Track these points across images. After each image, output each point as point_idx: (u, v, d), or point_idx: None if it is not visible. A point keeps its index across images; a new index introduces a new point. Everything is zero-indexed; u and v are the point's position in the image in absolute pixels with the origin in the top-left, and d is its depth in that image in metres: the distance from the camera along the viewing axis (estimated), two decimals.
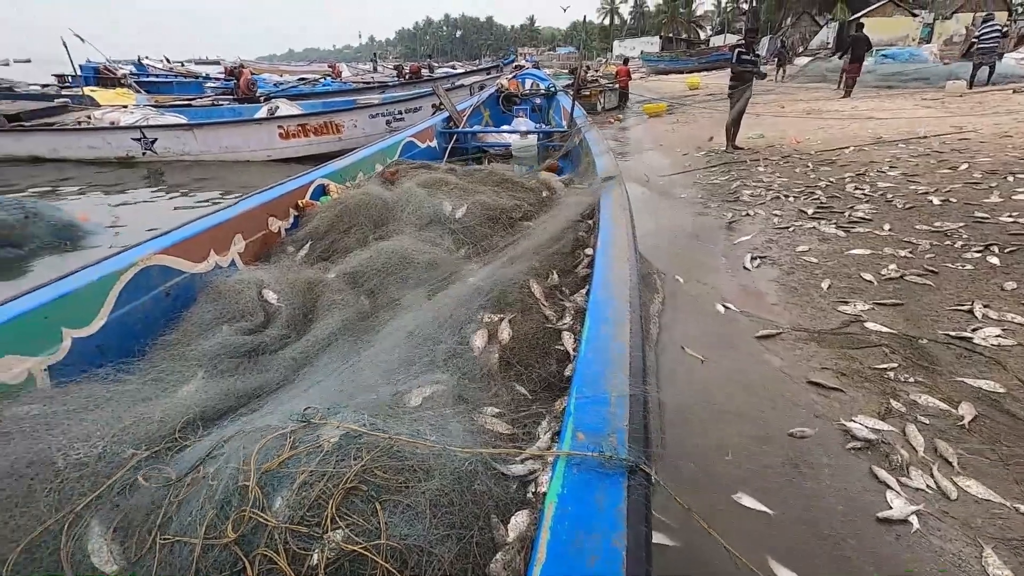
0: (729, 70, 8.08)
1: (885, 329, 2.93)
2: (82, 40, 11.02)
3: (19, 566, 1.14)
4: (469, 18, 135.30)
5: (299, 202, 3.60)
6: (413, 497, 1.15)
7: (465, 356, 1.93)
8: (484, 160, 5.69)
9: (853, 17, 29.24)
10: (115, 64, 16.82)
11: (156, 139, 8.50)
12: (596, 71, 20.83)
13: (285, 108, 8.98)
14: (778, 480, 2.02)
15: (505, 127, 6.54)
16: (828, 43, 29.83)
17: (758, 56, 8.03)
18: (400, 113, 8.88)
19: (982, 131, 7.33)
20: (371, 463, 1.18)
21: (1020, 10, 28.36)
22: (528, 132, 5.99)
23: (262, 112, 8.93)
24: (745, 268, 3.89)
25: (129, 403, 1.59)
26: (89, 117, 9.05)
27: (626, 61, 16.11)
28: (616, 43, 61.35)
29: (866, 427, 2.23)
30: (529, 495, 1.35)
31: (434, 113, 7.67)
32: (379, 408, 1.47)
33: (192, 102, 11.23)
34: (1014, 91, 10.99)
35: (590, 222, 3.32)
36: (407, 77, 17.25)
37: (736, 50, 7.92)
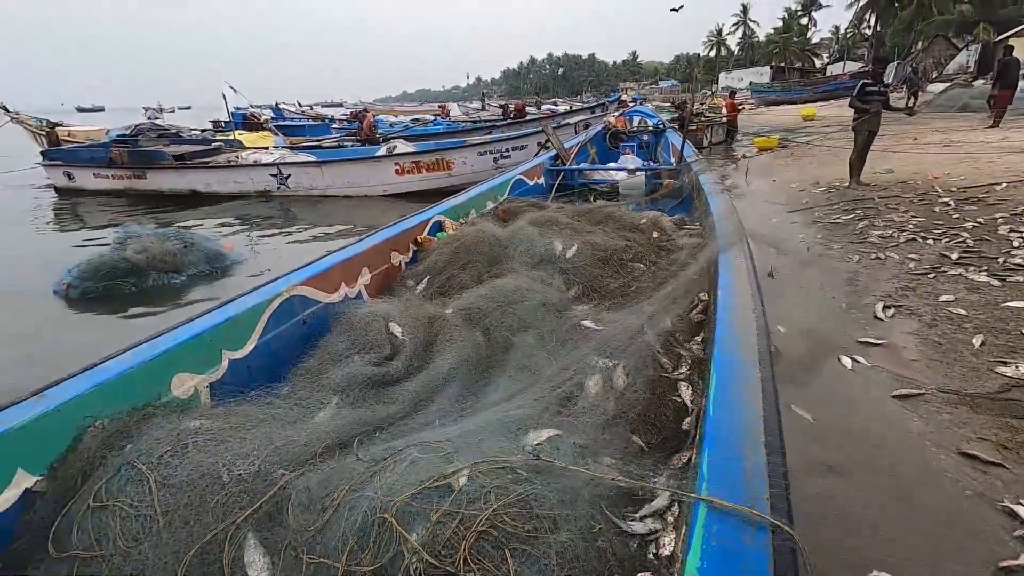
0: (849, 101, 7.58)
1: None
2: (235, 91, 12.68)
3: (191, 568, 1.28)
4: (571, 56, 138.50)
5: (418, 237, 3.83)
6: (540, 548, 1.16)
7: (579, 401, 1.93)
8: (591, 197, 5.74)
9: (1000, 38, 26.33)
10: (257, 109, 19.10)
11: (290, 175, 9.53)
12: (701, 104, 20.38)
13: (402, 147, 9.70)
14: (925, 564, 1.80)
15: (612, 164, 6.58)
16: (968, 67, 27.06)
17: (887, 87, 7.48)
18: (507, 151, 9.25)
19: None
20: (502, 509, 1.21)
21: None
22: (636, 169, 5.97)
23: (381, 151, 9.71)
24: (877, 318, 3.56)
25: (278, 425, 1.75)
26: (237, 157, 10.37)
27: (732, 94, 15.57)
28: (723, 75, 59.83)
29: None
30: (649, 556, 1.31)
31: (539, 151, 7.90)
32: (500, 449, 1.51)
33: (321, 142, 12.48)
34: None
35: (703, 265, 3.22)
36: (512, 116, 17.92)
37: (860, 82, 7.43)
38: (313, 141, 12.81)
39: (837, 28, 63.41)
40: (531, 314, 2.55)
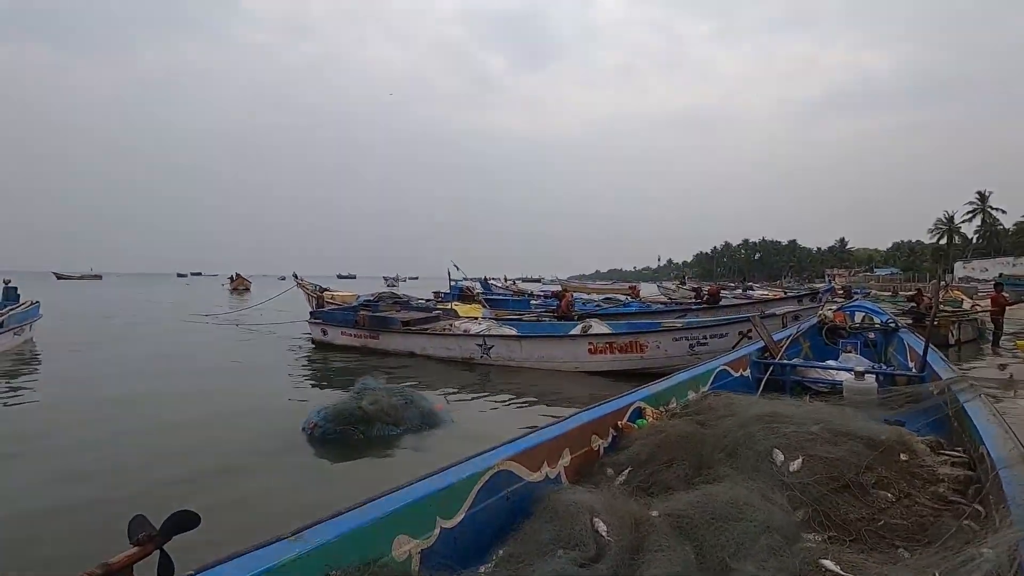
0: None
1: None
2: (457, 268, 15.04)
3: None
4: (769, 241, 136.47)
5: (618, 423, 3.80)
6: None
7: None
8: (806, 397, 5.18)
9: None
10: (470, 282, 22.07)
11: (493, 346, 10.54)
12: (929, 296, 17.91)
13: (596, 327, 10.15)
14: None
15: (831, 362, 5.94)
16: None
17: None
18: (705, 338, 9.02)
19: None
20: None
21: None
22: (865, 372, 5.26)
23: (576, 329, 10.27)
24: None
25: None
26: (451, 325, 11.91)
27: (999, 286, 13.07)
28: (958, 264, 52.74)
29: None
30: None
31: (739, 342, 7.55)
32: None
33: (522, 316, 13.78)
34: None
35: (978, 507, 2.60)
36: (705, 299, 17.79)
37: None
38: (515, 315, 14.24)
39: None
40: (752, 537, 2.25)
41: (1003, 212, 68.48)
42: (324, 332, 13.57)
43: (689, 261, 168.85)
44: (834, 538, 2.46)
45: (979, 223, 70.65)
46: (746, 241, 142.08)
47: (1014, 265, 41.27)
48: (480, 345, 10.61)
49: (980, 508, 2.60)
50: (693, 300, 19.68)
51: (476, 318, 12.77)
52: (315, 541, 1.86)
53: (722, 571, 2.14)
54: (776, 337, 6.53)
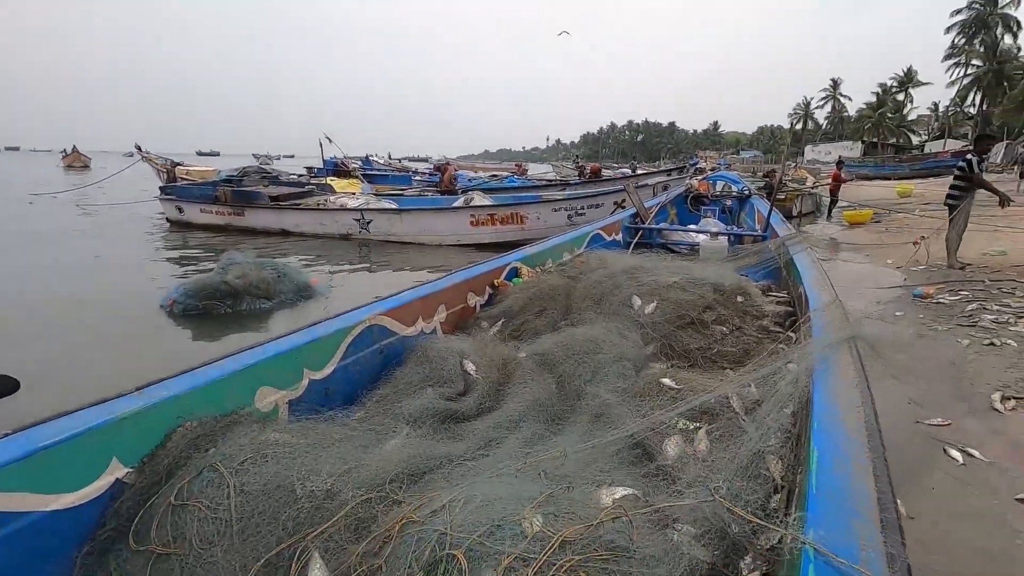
0: (952, 178, 7.16)
1: None
2: (330, 141, 13.78)
3: None
4: (651, 123, 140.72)
5: (495, 281, 3.89)
6: None
7: (657, 461, 1.82)
8: (670, 257, 5.63)
9: None
10: (350, 160, 20.57)
11: (371, 220, 10.09)
12: (786, 175, 19.88)
13: (479, 199, 10.04)
14: None
15: (693, 226, 6.46)
16: None
17: (984, 162, 7.05)
18: (582, 208, 9.33)
19: None
20: (579, 563, 1.13)
21: None
22: (718, 233, 5.82)
23: (458, 202, 10.10)
24: (994, 409, 3.18)
25: (352, 447, 1.76)
26: (326, 200, 11.16)
27: (840, 164, 14.98)
28: (808, 148, 58.44)
29: None
30: None
31: (615, 210, 7.92)
32: (572, 501, 1.42)
33: (403, 192, 13.20)
34: None
35: (791, 334, 3.04)
36: (588, 176, 18.23)
37: (967, 159, 7.02)
38: (396, 190, 13.60)
39: (936, 105, 60.84)
40: (606, 366, 2.47)
41: (849, 99, 75.89)
42: (180, 210, 12.12)
43: (576, 142, 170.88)
44: (676, 365, 2.78)
45: (830, 109, 77.84)
46: (630, 123, 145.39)
47: (851, 149, 46.48)
48: (358, 220, 10.12)
49: (793, 335, 3.02)
50: (577, 178, 20.07)
51: (354, 193, 12.01)
52: (161, 395, 1.76)
53: (578, 395, 2.35)
54: (647, 205, 6.92)
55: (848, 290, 5.91)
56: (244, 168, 13.59)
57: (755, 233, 5.82)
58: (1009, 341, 4.19)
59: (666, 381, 2.32)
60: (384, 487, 1.58)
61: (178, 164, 16.52)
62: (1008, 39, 43.71)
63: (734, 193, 7.76)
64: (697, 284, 3.64)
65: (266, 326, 5.13)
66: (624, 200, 7.00)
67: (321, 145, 12.80)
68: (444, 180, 12.90)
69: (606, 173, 19.55)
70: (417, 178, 19.01)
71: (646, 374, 2.46)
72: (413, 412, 2.06)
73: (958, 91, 48.33)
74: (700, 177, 8.72)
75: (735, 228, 6.57)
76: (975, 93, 46.50)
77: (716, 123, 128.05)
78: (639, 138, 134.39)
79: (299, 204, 10.96)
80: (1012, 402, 3.23)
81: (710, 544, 1.49)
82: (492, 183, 16.99)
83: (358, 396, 2.38)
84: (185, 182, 13.80)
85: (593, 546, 1.20)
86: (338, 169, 16.45)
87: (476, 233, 9.29)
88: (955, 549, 2.14)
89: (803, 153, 55.25)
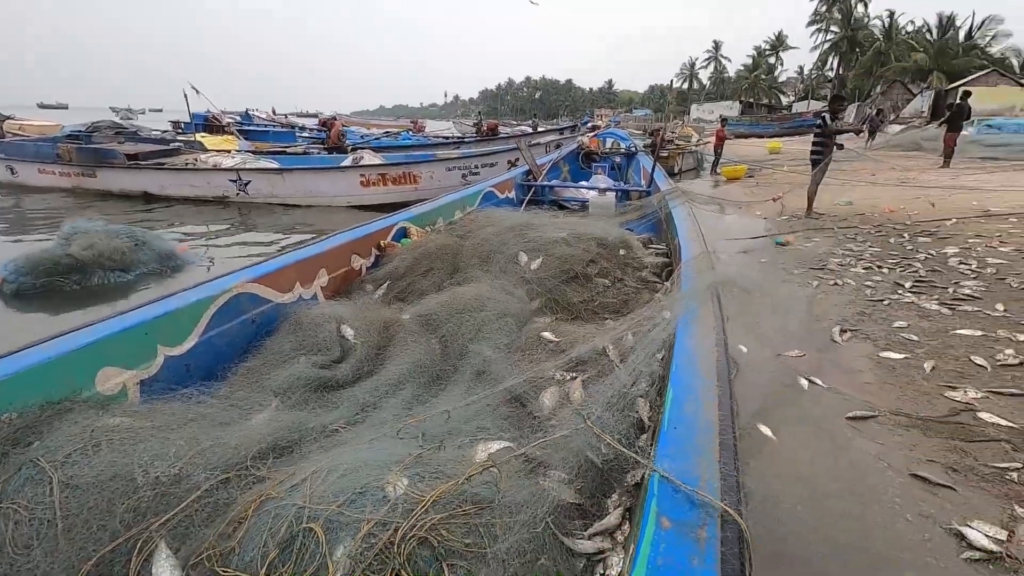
0: (813, 135, 7.88)
1: (1004, 422, 2.59)
2: (197, 92, 12.32)
3: None
4: (549, 80, 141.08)
5: (381, 242, 3.74)
6: (479, 564, 1.07)
7: (534, 413, 1.86)
8: (561, 214, 5.74)
9: (952, 86, 27.98)
10: (230, 115, 18.66)
11: (250, 181, 9.17)
12: (672, 132, 20.89)
13: (369, 158, 9.52)
14: None
15: (583, 183, 6.60)
16: (923, 111, 28.58)
17: (839, 120, 7.84)
18: (476, 167, 9.19)
19: None
20: (441, 521, 1.12)
21: None
22: (606, 189, 6.01)
23: (347, 161, 9.50)
24: (834, 341, 3.61)
25: (209, 426, 1.63)
26: (196, 160, 9.96)
27: (723, 122, 15.92)
28: (694, 106, 61.68)
29: (986, 535, 1.93)
30: None
31: (509, 168, 7.89)
32: (446, 459, 1.42)
33: (286, 149, 12.17)
34: None
35: (668, 284, 3.22)
36: (485, 134, 18.00)
37: (823, 116, 7.74)
38: (278, 148, 12.51)
39: (801, 68, 66.46)
40: (490, 323, 2.48)
41: (729, 60, 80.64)
42: (12, 171, 10.38)
43: (475, 98, 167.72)
44: (560, 318, 2.85)
45: (712, 70, 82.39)
46: (528, 79, 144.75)
47: (731, 108, 49.66)
48: (234, 181, 9.16)
49: (669, 285, 3.19)
50: (474, 135, 19.72)
51: (229, 151, 10.86)
52: None
53: (461, 354, 2.34)
54: (539, 162, 6.96)
55: (721, 240, 6.41)
56: (94, 123, 11.84)
57: (640, 188, 6.07)
58: (849, 281, 4.76)
59: (546, 335, 2.38)
60: (246, 465, 1.48)
61: (7, 118, 14.12)
62: (861, 8, 48.23)
63: (622, 150, 8.02)
64: (582, 239, 3.74)
65: (127, 302, 4.60)
66: (519, 159, 6.99)
67: (186, 97, 11.37)
68: (331, 137, 12.02)
69: (503, 131, 19.38)
70: (304, 135, 17.66)
71: (528, 329, 2.49)
72: (283, 383, 1.95)
73: (819, 55, 52.96)
74: (590, 134, 8.90)
75: (623, 184, 6.81)
76: (833, 58, 51.16)
77: (611, 82, 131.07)
78: (537, 95, 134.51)
79: (163, 164, 9.73)
80: (848, 334, 3.68)
81: (579, 486, 1.56)
82: (386, 140, 16.24)
83: (225, 371, 2.21)
84: (17, 138, 11.82)
85: (458, 502, 1.20)
86: (209, 124, 14.79)
87: (368, 194, 8.83)
88: (801, 461, 2.43)
89: (689, 112, 58.21)
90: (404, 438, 1.60)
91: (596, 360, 2.22)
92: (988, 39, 37.07)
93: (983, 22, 37.30)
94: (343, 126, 13.87)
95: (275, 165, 9.49)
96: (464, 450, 1.56)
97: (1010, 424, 2.57)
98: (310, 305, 2.80)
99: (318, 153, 11.59)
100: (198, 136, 12.52)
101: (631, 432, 1.84)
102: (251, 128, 16.96)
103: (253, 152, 10.98)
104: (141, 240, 5.10)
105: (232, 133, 14.27)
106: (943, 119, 13.45)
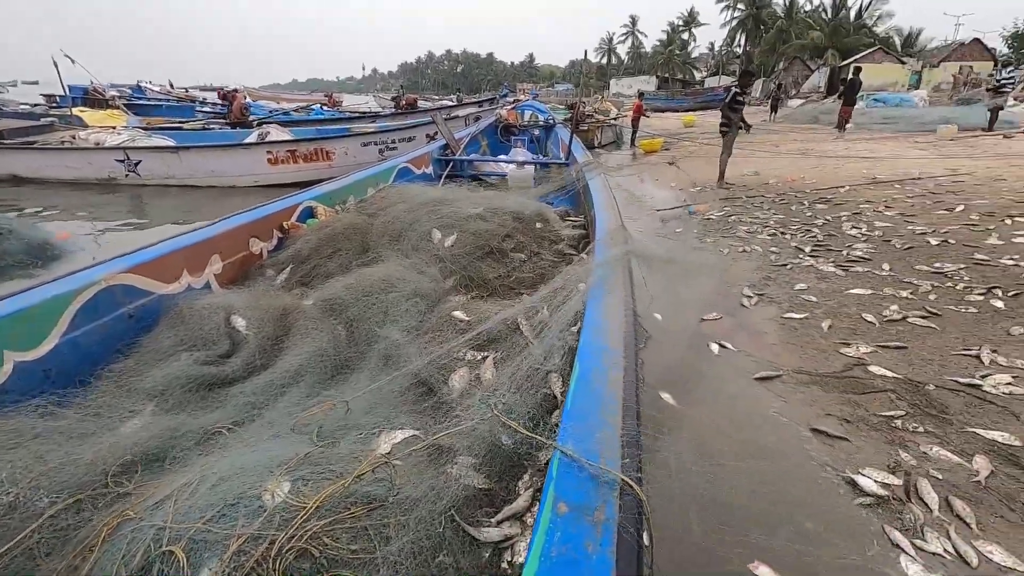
0: (720, 110, 8.19)
1: (890, 373, 2.79)
2: (72, 61, 10.96)
3: None
4: (470, 54, 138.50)
5: (284, 224, 3.48)
6: (367, 570, 0.97)
7: (443, 397, 1.77)
8: (481, 188, 5.61)
9: (845, 63, 30.06)
10: (118, 87, 16.83)
11: (140, 161, 8.29)
12: (592, 106, 21.12)
13: (276, 134, 8.86)
14: (782, 538, 1.85)
15: (502, 156, 6.50)
16: (820, 87, 30.57)
17: (745, 95, 8.20)
18: (394, 142, 8.82)
19: (976, 174, 7.36)
20: (323, 528, 1.01)
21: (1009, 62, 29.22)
22: (525, 162, 5.94)
23: (252, 137, 8.79)
24: (742, 306, 3.76)
25: (63, 440, 1.41)
26: (74, 137, 8.86)
27: (641, 95, 16.24)
28: (613, 81, 62.75)
29: (875, 481, 2.07)
30: (504, 565, 1.18)
31: (429, 143, 7.63)
32: (339, 458, 1.30)
33: (183, 125, 11.10)
34: (1004, 136, 11.16)
35: (584, 255, 3.20)
36: (403, 107, 17.38)
37: (731, 91, 8.03)
38: (174, 123, 11.40)
39: (712, 45, 69.11)
40: (398, 305, 2.35)
41: (645, 36, 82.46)
42: None
43: (394, 71, 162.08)
44: (476, 296, 2.76)
45: (630, 45, 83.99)
46: (449, 52, 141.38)
47: (648, 83, 50.90)
48: (122, 161, 8.24)
49: (585, 256, 3.17)
50: (393, 109, 18.97)
51: (114, 127, 9.73)
52: None
53: (369, 340, 2.20)
54: (457, 136, 6.77)
55: (638, 211, 6.54)
56: None
57: (559, 161, 6.04)
58: (756, 247, 4.99)
59: (457, 314, 2.28)
60: (105, 482, 1.30)
61: None
62: None
63: (541, 122, 7.97)
64: (498, 213, 3.65)
65: None
66: (437, 133, 6.75)
67: (57, 66, 10.03)
68: (234, 111, 11.05)
69: (423, 104, 18.78)
70: (206, 109, 16.22)
71: (439, 309, 2.39)
72: (159, 384, 1.73)
73: (728, 32, 55.26)
74: (509, 107, 8.77)
75: (541, 157, 6.77)
76: (740, 35, 53.52)
77: (532, 56, 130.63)
78: (459, 69, 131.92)
79: (33, 142, 8.60)
80: (755, 298, 3.85)
81: (489, 470, 1.50)
82: (295, 115, 15.25)
83: (95, 374, 1.95)
84: None
85: (345, 504, 1.09)
86: (90, 98, 13.17)
87: (276, 173, 8.24)
88: (712, 422, 2.50)
89: (609, 87, 59.16)
90: (297, 436, 1.46)
91: (509, 337, 2.15)
92: (875, 19, 40.01)
93: (870, 2, 40.15)
94: (246, 99, 12.85)
95: (170, 142, 8.62)
96: (365, 443, 1.45)
97: (895, 375, 2.77)
98: (201, 295, 2.54)
99: (220, 129, 10.65)
100: (76, 111, 11.16)
101: (543, 409, 1.80)
102: (143, 102, 15.37)
103: (144, 128, 9.93)
104: (6, 228, 4.47)
105: (118, 107, 12.81)
106: (839, 93, 14.43)
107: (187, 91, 25.20)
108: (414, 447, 1.36)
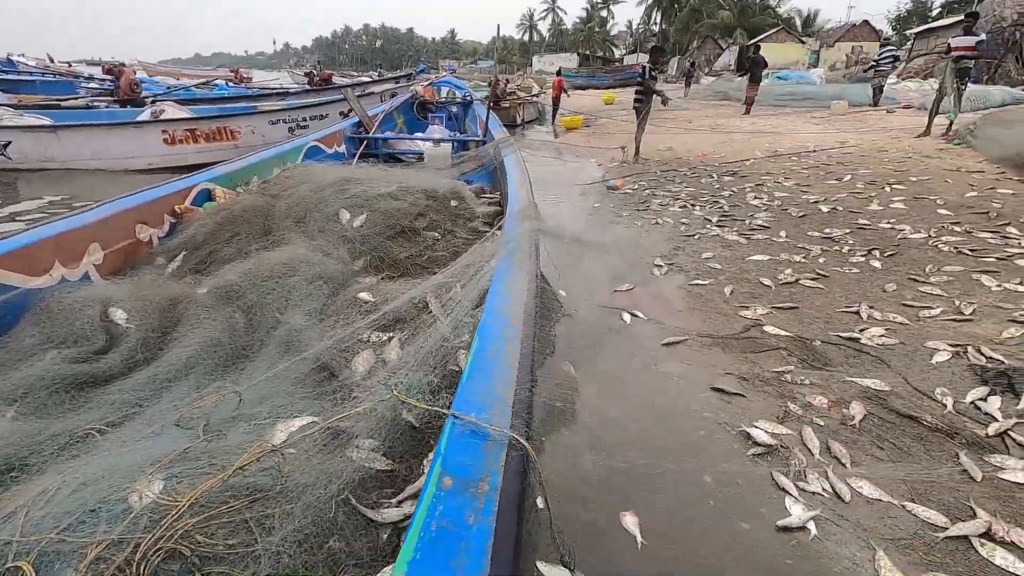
0: (635, 87, 8.39)
1: (782, 332, 3.00)
2: None
3: None
4: (389, 28, 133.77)
5: (177, 208, 3.23)
6: (245, 563, 0.93)
7: (345, 381, 1.72)
8: (396, 168, 5.46)
9: (751, 42, 31.57)
10: None
11: (9, 142, 7.35)
12: (516, 84, 21.01)
13: (172, 111, 8.16)
14: (685, 492, 1.96)
15: (419, 134, 6.35)
16: (730, 65, 32.02)
17: (659, 72, 8.45)
18: (304, 120, 8.38)
19: (862, 146, 8.00)
20: (197, 527, 0.96)
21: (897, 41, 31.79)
22: (442, 140, 5.82)
23: (144, 115, 8.07)
24: (653, 275, 3.91)
25: None
26: None
27: (559, 72, 16.33)
28: (535, 58, 62.68)
29: (766, 432, 2.23)
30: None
31: (343, 120, 7.31)
32: (223, 451, 1.23)
33: (62, 103, 9.96)
34: (887, 111, 12.18)
35: (497, 232, 3.19)
36: (317, 84, 16.53)
37: (646, 68, 8.23)
38: (51, 100, 10.21)
39: (631, 23, 70.53)
40: (300, 289, 2.25)
41: (565, 12, 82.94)
42: None
43: (309, 46, 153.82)
44: (387, 277, 2.69)
45: (551, 21, 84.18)
46: (366, 27, 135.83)
47: (569, 60, 51.28)
48: None
49: (499, 233, 3.16)
50: (306, 86, 17.98)
51: None
52: None
53: (268, 327, 2.10)
54: (371, 112, 6.52)
55: (558, 187, 6.61)
56: None
57: (477, 138, 5.98)
58: (668, 219, 5.19)
59: (363, 295, 2.22)
60: None
61: None
62: None
63: (458, 99, 7.83)
64: (410, 192, 3.57)
65: None
66: (352, 110, 6.47)
67: None
68: (122, 87, 9.97)
69: (338, 81, 17.92)
70: (92, 86, 14.60)
71: (344, 292, 2.31)
72: (21, 386, 1.57)
73: (644, 10, 56.54)
74: (425, 83, 8.55)
75: (459, 135, 6.67)
76: (656, 13, 54.93)
77: (453, 31, 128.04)
78: (378, 43, 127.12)
79: None
80: (665, 267, 4.02)
81: (394, 451, 1.48)
82: (196, 92, 14.11)
83: None
84: None
85: (224, 498, 1.04)
86: None
87: (174, 154, 7.58)
88: (622, 389, 2.59)
89: (532, 64, 59.08)
90: (180, 432, 1.37)
91: (417, 316, 2.12)
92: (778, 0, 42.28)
93: None
94: (139, 74, 11.72)
95: (46, 121, 7.72)
96: (259, 434, 1.38)
97: (787, 333, 2.99)
98: (77, 288, 2.31)
99: (107, 108, 9.64)
100: None
101: (449, 385, 1.79)
102: (11, 77, 13.67)
103: (13, 106, 8.82)
104: None
105: None
106: (744, 70, 15.16)
107: (70, 66, 22.65)
108: (307, 432, 1.31)
